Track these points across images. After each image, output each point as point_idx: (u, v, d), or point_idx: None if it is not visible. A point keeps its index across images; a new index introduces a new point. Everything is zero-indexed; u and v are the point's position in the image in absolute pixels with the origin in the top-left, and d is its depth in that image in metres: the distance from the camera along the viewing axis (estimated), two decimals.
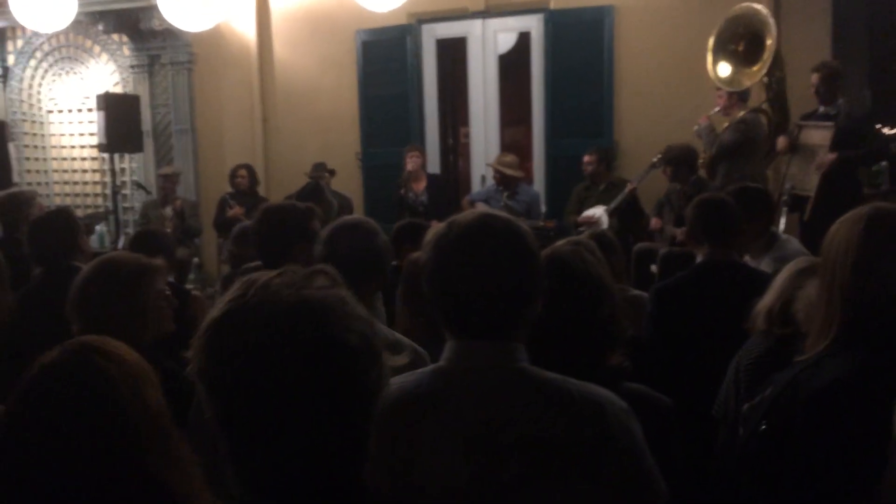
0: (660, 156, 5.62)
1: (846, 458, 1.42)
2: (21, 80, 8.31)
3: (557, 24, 6.66)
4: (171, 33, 7.42)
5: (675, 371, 2.76)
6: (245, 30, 7.55)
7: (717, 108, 5.68)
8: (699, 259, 3.13)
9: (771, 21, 5.38)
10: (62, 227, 3.13)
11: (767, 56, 5.37)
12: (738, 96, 5.63)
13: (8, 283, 2.70)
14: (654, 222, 5.65)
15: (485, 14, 6.95)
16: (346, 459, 0.93)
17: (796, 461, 1.50)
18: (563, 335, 1.54)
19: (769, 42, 5.35)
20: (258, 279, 0.94)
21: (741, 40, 5.62)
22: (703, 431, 2.30)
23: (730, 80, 5.64)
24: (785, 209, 5.35)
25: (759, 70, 5.47)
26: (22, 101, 8.34)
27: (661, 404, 1.76)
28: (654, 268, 5.09)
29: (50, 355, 1.34)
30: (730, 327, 2.45)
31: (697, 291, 3.00)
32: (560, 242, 1.92)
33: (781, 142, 5.45)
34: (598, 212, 5.93)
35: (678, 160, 5.44)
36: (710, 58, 5.65)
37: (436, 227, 1.37)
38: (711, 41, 5.62)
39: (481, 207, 6.15)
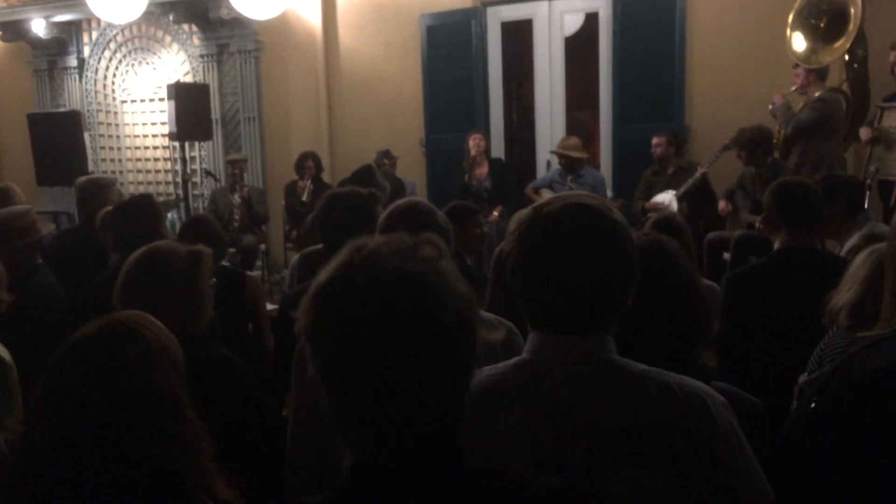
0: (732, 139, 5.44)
1: (891, 445, 1.34)
2: (96, 71, 8.56)
3: (626, 3, 6.49)
4: (238, 22, 7.53)
5: (749, 363, 2.65)
6: (310, 17, 7.60)
7: (794, 87, 5.47)
8: (777, 246, 3.00)
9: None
10: (145, 213, 3.19)
11: (851, 31, 5.13)
12: (817, 74, 5.41)
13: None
14: (723, 205, 5.46)
15: None
16: (441, 425, 0.97)
17: (841, 443, 1.42)
18: (650, 330, 1.47)
19: (852, 16, 5.10)
20: (366, 245, 0.99)
21: (823, 17, 5.38)
22: (778, 424, 2.22)
23: (807, 57, 5.41)
24: (868, 193, 5.11)
25: (840, 46, 5.22)
26: (97, 91, 8.59)
27: (752, 405, 1.69)
28: (727, 256, 4.94)
29: (83, 329, 1.44)
30: (810, 317, 2.34)
31: (774, 279, 2.88)
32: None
33: (864, 132, 5.21)
34: (667, 197, 5.78)
35: (753, 142, 5.24)
36: (788, 33, 5.42)
37: (519, 214, 1.31)
38: (791, 16, 5.39)
39: (546, 194, 6.07)
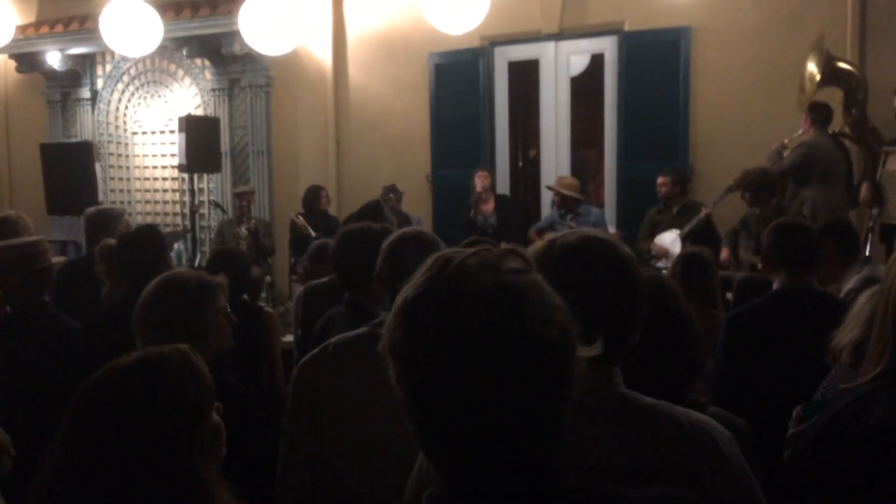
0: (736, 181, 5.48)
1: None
2: (108, 102, 8.68)
3: (632, 45, 6.59)
4: (250, 58, 7.66)
5: (746, 401, 2.66)
6: (321, 54, 7.73)
7: (800, 131, 5.53)
8: (775, 286, 3.02)
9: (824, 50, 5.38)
10: (151, 242, 3.22)
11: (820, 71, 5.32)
12: (813, 119, 5.48)
13: None
14: (724, 254, 5.46)
15: (558, 36, 6.94)
16: (537, 450, 0.89)
17: (837, 496, 1.42)
18: (645, 363, 1.49)
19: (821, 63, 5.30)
20: (452, 257, 0.90)
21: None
22: (776, 461, 2.22)
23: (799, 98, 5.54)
24: (870, 236, 5.14)
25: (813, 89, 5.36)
26: (109, 122, 8.71)
27: (739, 426, 1.72)
28: (729, 295, 4.94)
29: (124, 359, 1.43)
30: (807, 357, 2.35)
31: (772, 319, 2.90)
32: None
33: (864, 190, 5.26)
34: (670, 236, 5.81)
35: (757, 184, 5.27)
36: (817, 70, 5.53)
37: (534, 246, 1.33)
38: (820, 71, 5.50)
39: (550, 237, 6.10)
